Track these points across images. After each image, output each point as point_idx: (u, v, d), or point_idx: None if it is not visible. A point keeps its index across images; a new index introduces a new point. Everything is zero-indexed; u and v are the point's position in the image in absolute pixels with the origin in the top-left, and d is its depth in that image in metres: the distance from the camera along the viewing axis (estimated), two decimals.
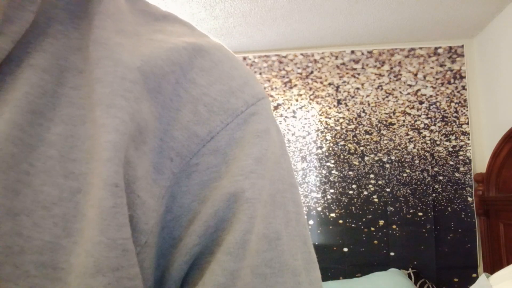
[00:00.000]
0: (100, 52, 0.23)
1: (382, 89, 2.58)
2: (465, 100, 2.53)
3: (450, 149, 2.51)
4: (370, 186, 2.53)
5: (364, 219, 2.51)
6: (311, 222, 2.50)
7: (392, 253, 2.47)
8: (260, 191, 0.24)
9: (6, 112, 0.21)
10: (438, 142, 2.52)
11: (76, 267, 0.19)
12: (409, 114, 2.56)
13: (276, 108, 2.62)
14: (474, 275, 2.39)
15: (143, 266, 0.21)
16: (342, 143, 2.57)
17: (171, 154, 0.23)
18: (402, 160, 2.52)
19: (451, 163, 2.50)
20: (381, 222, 2.50)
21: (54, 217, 0.20)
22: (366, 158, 2.55)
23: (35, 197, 0.20)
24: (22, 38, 0.23)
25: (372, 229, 2.49)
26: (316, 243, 2.50)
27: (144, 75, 0.23)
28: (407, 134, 2.54)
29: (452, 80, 2.55)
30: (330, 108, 2.60)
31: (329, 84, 2.62)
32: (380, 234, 2.49)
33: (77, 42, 0.24)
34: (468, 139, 2.50)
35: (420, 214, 2.47)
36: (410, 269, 2.38)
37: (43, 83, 0.22)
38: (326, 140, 2.59)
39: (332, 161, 2.56)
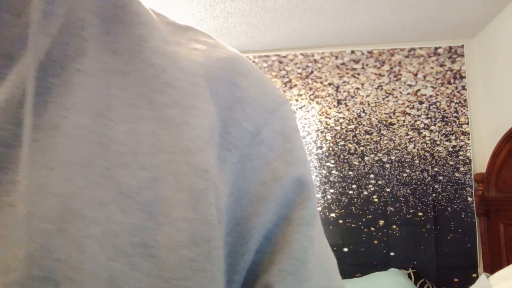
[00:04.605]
0: (162, 60, 0.27)
1: (382, 89, 2.58)
2: (465, 100, 2.53)
3: (450, 149, 2.51)
4: (370, 186, 2.53)
5: (364, 219, 2.51)
6: None
7: (392, 253, 2.47)
8: (311, 173, 0.31)
9: (70, 115, 0.24)
10: (438, 142, 2.52)
11: (166, 243, 0.23)
12: (409, 114, 2.56)
13: None
14: (474, 275, 2.39)
15: None
16: (342, 143, 2.57)
17: (230, 146, 0.28)
18: (402, 160, 2.52)
19: (451, 163, 2.50)
20: (381, 222, 2.50)
21: (138, 204, 0.23)
22: (366, 158, 2.55)
23: (119, 188, 0.23)
24: (58, 37, 0.25)
25: (372, 229, 2.49)
26: None
27: (207, 81, 0.28)
28: (407, 134, 2.54)
29: (452, 80, 2.55)
30: (330, 108, 2.61)
31: (329, 84, 2.62)
32: (380, 234, 2.49)
33: (112, 46, 0.27)
34: (468, 139, 2.50)
35: (420, 214, 2.47)
36: (410, 269, 2.38)
37: (95, 87, 0.25)
38: (326, 140, 2.59)
39: (332, 161, 2.56)
